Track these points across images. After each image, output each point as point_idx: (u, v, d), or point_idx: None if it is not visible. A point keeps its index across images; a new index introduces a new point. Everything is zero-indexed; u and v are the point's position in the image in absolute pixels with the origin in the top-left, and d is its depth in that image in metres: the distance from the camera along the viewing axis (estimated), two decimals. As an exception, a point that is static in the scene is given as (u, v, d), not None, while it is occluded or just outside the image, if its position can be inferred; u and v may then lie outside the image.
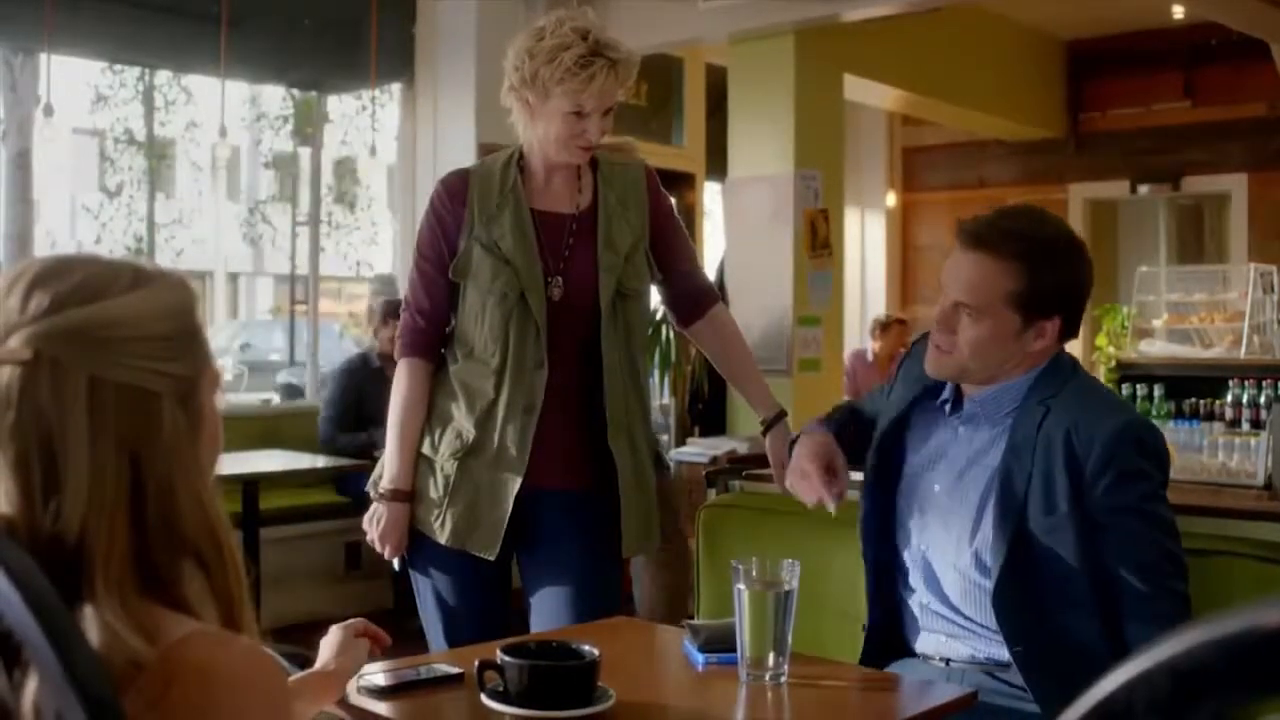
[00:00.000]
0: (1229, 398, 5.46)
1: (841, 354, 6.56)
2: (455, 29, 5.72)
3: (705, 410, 6.26)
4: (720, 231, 7.00)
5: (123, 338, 0.97)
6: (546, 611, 2.35)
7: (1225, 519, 2.20)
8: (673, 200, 2.56)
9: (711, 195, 8.01)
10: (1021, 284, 1.89)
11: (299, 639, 2.78)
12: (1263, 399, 5.34)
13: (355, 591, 5.34)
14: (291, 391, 8.72)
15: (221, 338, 17.98)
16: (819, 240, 6.06)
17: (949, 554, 1.97)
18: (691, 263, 2.58)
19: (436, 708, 1.66)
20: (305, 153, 12.75)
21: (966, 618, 1.95)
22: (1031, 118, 8.41)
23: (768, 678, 1.68)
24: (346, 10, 5.67)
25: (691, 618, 2.70)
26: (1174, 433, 4.67)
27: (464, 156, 5.31)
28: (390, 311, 5.15)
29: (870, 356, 7.28)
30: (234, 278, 22.91)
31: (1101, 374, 7.03)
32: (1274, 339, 6.69)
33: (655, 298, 2.64)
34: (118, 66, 11.57)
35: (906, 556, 2.04)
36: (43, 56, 5.14)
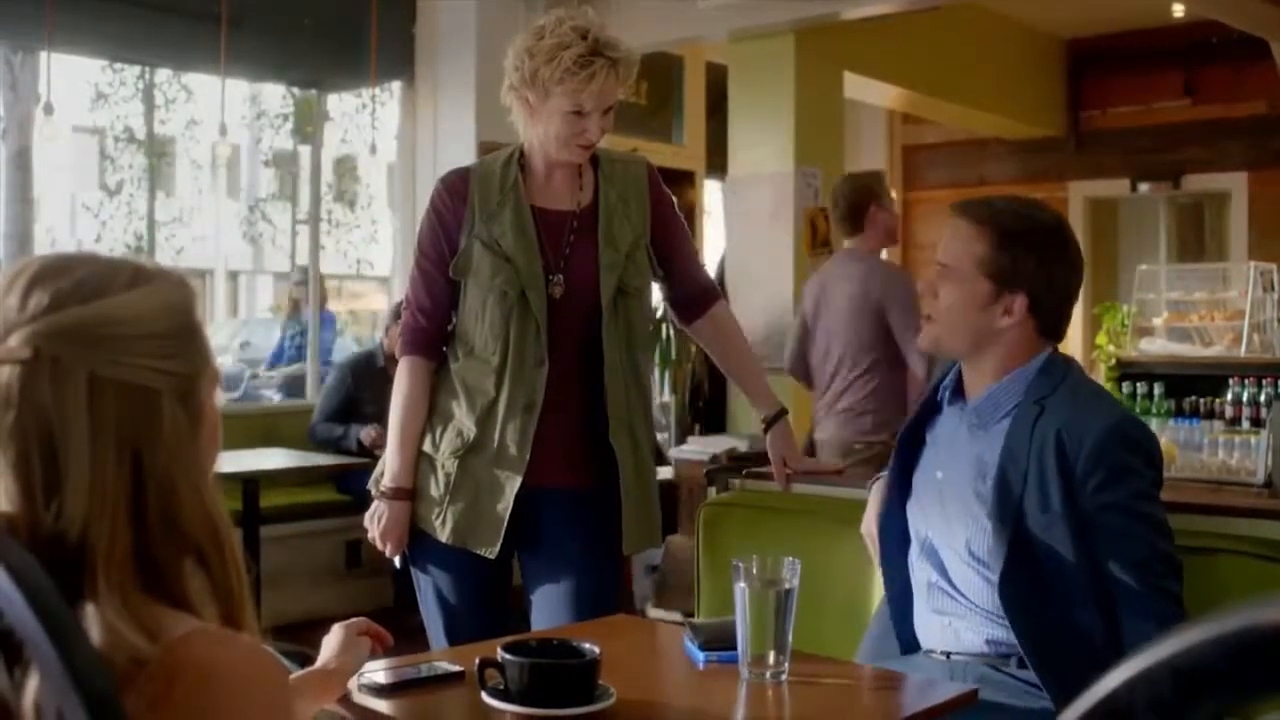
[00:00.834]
0: (1229, 396, 5.46)
1: (842, 352, 6.55)
2: (455, 27, 5.72)
3: (705, 408, 6.26)
4: (720, 230, 6.99)
5: (123, 336, 0.97)
6: (547, 609, 2.35)
7: (1225, 517, 2.20)
8: (674, 198, 2.56)
9: (712, 193, 8.01)
10: (990, 250, 1.94)
11: (299, 637, 2.78)
12: (1263, 397, 5.34)
13: (355, 590, 5.34)
14: (292, 388, 8.71)
15: (221, 336, 17.96)
16: (819, 238, 6.05)
17: (949, 540, 2.01)
18: (693, 260, 2.58)
19: (437, 706, 1.67)
20: (305, 151, 12.76)
21: (969, 600, 1.97)
22: (1032, 116, 8.41)
23: (768, 676, 1.69)
24: (347, 9, 5.67)
25: (692, 616, 2.70)
26: (1174, 431, 4.66)
27: (464, 155, 5.31)
28: (400, 313, 5.14)
29: (870, 355, 7.27)
30: (234, 276, 22.90)
31: (1102, 372, 7.03)
32: (1274, 337, 6.70)
33: (656, 295, 2.64)
34: (118, 65, 11.59)
35: (914, 538, 2.08)
36: (43, 55, 5.14)
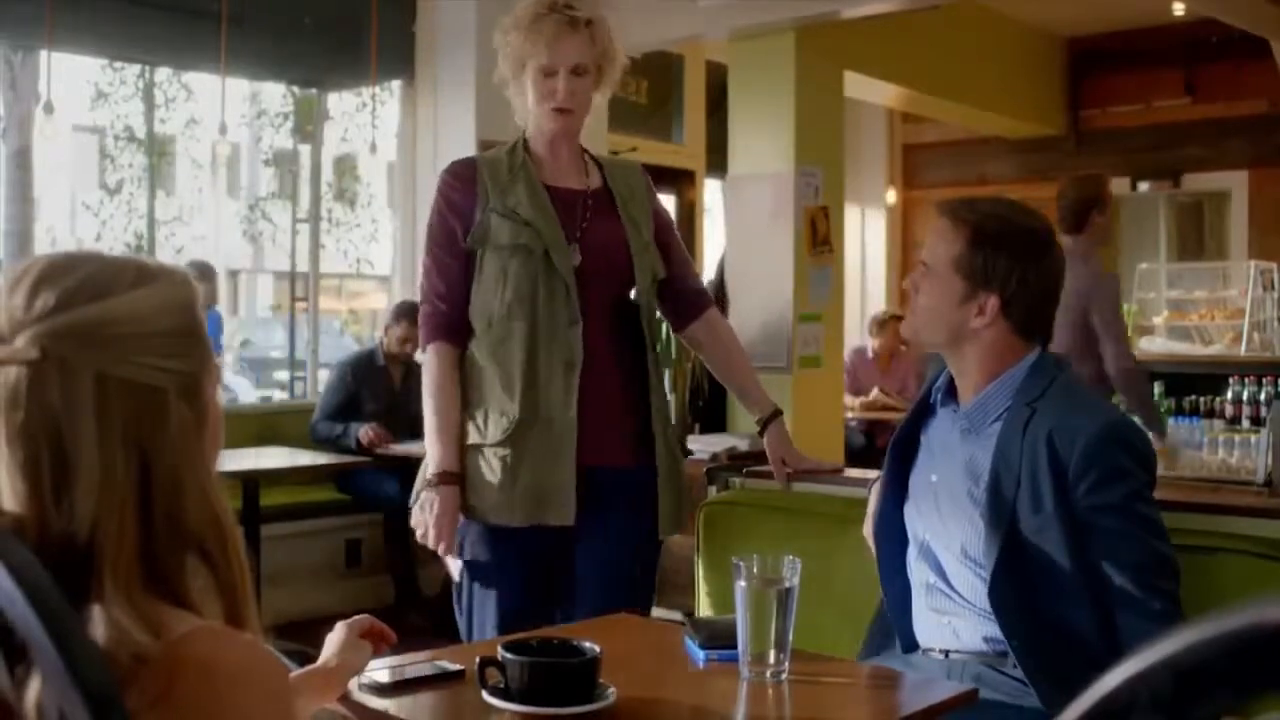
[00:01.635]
0: (1229, 395, 5.47)
1: (842, 351, 6.57)
2: (455, 27, 5.72)
3: (705, 408, 6.26)
4: (720, 229, 7.00)
5: (129, 335, 0.97)
6: (598, 592, 2.34)
7: (1225, 516, 2.20)
8: (672, 198, 2.60)
9: (712, 192, 8.01)
10: (965, 248, 1.96)
11: (300, 636, 2.78)
12: (1263, 396, 5.35)
13: (356, 588, 5.34)
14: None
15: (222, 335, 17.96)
16: (819, 237, 6.05)
17: (946, 542, 2.01)
18: (689, 265, 2.60)
19: (437, 705, 1.67)
20: (305, 150, 12.73)
21: (966, 599, 1.98)
22: (1032, 115, 8.41)
23: (769, 675, 1.69)
24: (347, 8, 5.67)
25: (692, 615, 2.70)
26: (1174, 430, 4.67)
27: (464, 153, 5.24)
28: (402, 312, 5.15)
29: (870, 353, 7.28)
30: (234, 275, 22.90)
31: (1101, 371, 7.02)
32: (1274, 336, 6.70)
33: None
34: (118, 64, 11.57)
35: (913, 540, 2.09)
36: (43, 54, 5.13)
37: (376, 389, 5.28)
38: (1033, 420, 1.91)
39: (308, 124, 12.30)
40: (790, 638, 1.69)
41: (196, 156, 16.67)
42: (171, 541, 0.98)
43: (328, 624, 1.65)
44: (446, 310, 2.39)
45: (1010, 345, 1.98)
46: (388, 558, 5.30)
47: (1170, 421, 4.78)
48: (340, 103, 11.28)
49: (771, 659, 1.68)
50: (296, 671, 1.53)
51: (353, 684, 1.62)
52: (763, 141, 6.06)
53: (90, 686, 0.86)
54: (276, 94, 14.27)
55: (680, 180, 7.62)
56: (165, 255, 13.22)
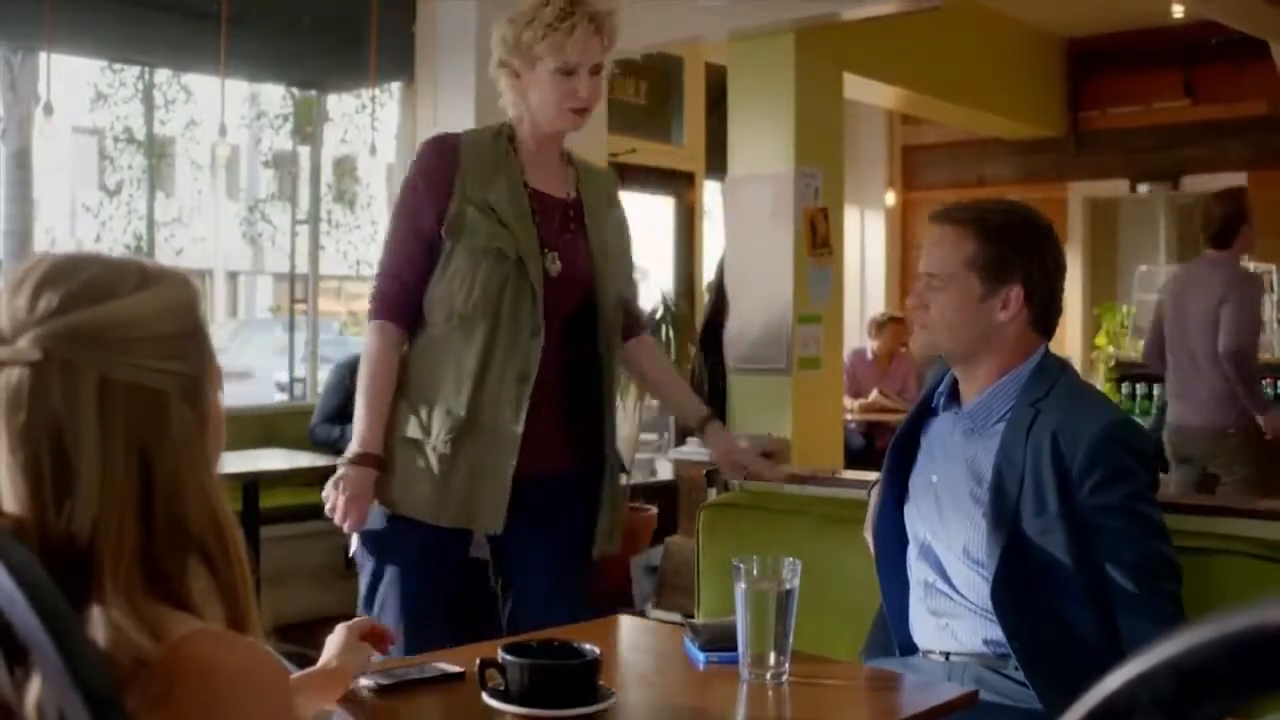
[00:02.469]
0: (1229, 396, 5.45)
1: (841, 352, 6.56)
2: (455, 28, 5.71)
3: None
4: (720, 230, 6.99)
5: (131, 338, 0.97)
6: (532, 603, 2.34)
7: (1224, 517, 2.20)
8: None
9: (711, 194, 8.01)
10: (977, 246, 1.97)
11: (299, 638, 2.78)
12: (1262, 397, 5.33)
13: (355, 590, 5.33)
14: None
15: (221, 336, 17.98)
16: (819, 238, 6.05)
17: (947, 542, 2.01)
18: (635, 287, 2.60)
19: (437, 706, 1.67)
20: (305, 151, 12.73)
21: (968, 600, 1.98)
22: (1031, 116, 8.40)
23: (769, 677, 1.69)
24: (346, 9, 5.67)
25: (692, 616, 2.70)
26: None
27: (464, 155, 5.30)
28: None
29: (870, 355, 7.28)
30: (233, 276, 22.90)
31: (1101, 373, 7.04)
32: (1274, 337, 6.70)
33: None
34: (117, 65, 11.58)
35: (913, 541, 2.09)
36: (42, 55, 5.14)
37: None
38: (1037, 420, 1.91)
39: (307, 125, 12.30)
40: (790, 640, 1.69)
41: (196, 158, 16.69)
42: (172, 544, 0.98)
43: (327, 626, 1.65)
44: (401, 292, 2.33)
45: (1026, 340, 1.99)
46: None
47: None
48: (340, 104, 11.29)
49: (771, 661, 1.68)
50: (297, 674, 1.53)
51: (353, 685, 1.62)
52: (762, 143, 6.06)
53: (91, 688, 0.86)
54: (276, 95, 14.28)
55: (679, 181, 7.62)
56: (165, 257, 13.22)
